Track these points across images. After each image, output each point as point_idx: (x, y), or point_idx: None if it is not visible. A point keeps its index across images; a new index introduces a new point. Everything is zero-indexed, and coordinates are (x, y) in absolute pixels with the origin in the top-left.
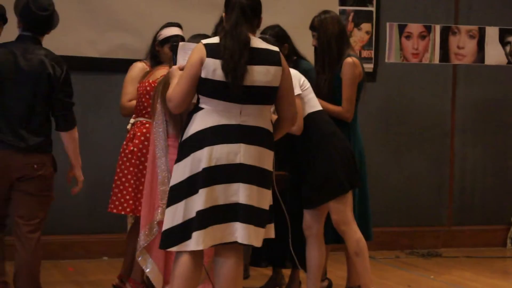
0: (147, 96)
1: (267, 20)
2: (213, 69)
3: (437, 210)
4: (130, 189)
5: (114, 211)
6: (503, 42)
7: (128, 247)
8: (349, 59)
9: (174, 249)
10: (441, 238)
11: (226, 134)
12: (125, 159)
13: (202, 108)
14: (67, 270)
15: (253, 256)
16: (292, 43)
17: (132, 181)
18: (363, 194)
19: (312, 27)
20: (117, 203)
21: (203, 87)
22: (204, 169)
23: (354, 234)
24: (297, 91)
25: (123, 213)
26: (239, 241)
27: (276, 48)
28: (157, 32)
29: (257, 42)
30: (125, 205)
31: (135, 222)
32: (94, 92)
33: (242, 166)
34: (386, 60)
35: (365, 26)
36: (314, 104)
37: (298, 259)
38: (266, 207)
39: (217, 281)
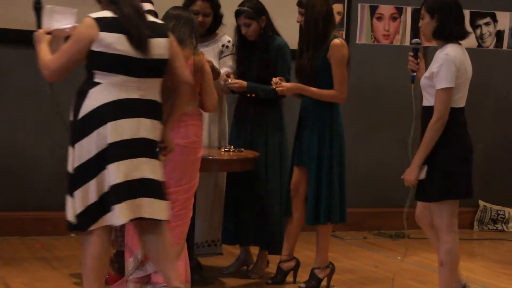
0: None
1: None
2: (109, 42)
3: (405, 192)
4: None
5: None
6: (473, 25)
7: None
8: (336, 41)
9: (94, 226)
10: (408, 220)
11: (127, 109)
12: None
13: (98, 83)
14: (34, 246)
15: (224, 234)
16: (269, 18)
17: None
18: (341, 176)
19: (300, 3)
20: None
21: (98, 61)
22: (110, 144)
23: (444, 243)
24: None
25: None
26: (148, 216)
27: (160, 21)
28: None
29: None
30: None
31: None
32: None
33: (144, 140)
34: (357, 41)
35: (337, 7)
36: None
37: (265, 240)
38: (163, 180)
39: (155, 259)
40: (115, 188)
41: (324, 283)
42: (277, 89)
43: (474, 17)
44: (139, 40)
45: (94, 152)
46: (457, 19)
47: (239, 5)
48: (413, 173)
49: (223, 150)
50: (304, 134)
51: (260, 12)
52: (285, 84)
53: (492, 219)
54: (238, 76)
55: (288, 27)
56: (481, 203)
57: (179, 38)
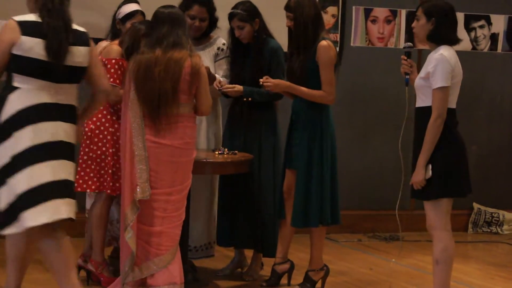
0: None
1: (231, 0)
2: (29, 47)
3: (400, 194)
4: (93, 167)
5: (79, 189)
6: (468, 28)
7: (89, 226)
8: (324, 42)
9: (7, 231)
10: (403, 222)
11: (47, 113)
12: (85, 137)
13: (17, 88)
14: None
15: (219, 237)
16: (263, 20)
17: (98, 159)
18: (333, 178)
19: (288, 7)
20: (81, 181)
21: (17, 65)
22: (29, 148)
23: (439, 241)
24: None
25: (88, 191)
26: (65, 216)
27: (83, 29)
28: (116, 11)
29: None
30: (89, 182)
31: (95, 201)
32: None
33: (63, 143)
34: (352, 44)
35: (331, 10)
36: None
37: (259, 242)
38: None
39: (55, 264)
40: (28, 192)
41: (318, 285)
42: (264, 84)
43: (469, 20)
44: (56, 47)
45: (11, 155)
46: (452, 24)
47: (233, 8)
48: (420, 175)
49: (217, 152)
50: (295, 136)
51: (253, 15)
52: (272, 80)
53: (487, 221)
54: (232, 79)
55: (281, 29)
56: (476, 205)
57: (175, 42)
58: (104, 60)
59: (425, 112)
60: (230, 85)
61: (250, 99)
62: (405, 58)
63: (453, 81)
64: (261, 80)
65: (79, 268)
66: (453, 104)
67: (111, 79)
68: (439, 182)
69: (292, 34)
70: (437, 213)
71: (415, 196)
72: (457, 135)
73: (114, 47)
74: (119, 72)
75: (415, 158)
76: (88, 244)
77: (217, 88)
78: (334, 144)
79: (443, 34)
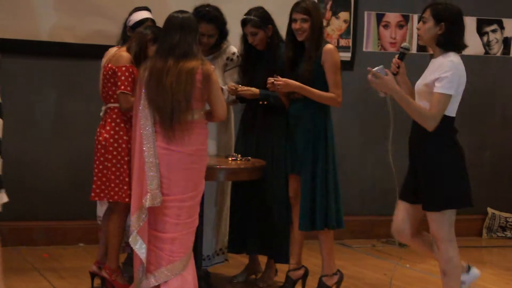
0: (112, 81)
1: (238, 6)
2: None
3: None
4: (112, 177)
5: (96, 199)
6: (480, 33)
7: (103, 233)
8: (329, 46)
9: None
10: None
11: None
12: (99, 146)
13: None
14: (42, 256)
15: (230, 243)
16: (276, 26)
17: (114, 169)
18: (336, 182)
19: (305, 10)
20: (98, 190)
21: None
22: None
23: (445, 252)
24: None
25: (110, 200)
26: None
27: None
28: (127, 18)
29: None
30: (106, 191)
31: (108, 208)
32: (71, 78)
33: None
34: (364, 49)
35: (343, 15)
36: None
37: (271, 249)
38: None
39: None
40: None
41: None
42: (275, 83)
43: (481, 24)
44: None
45: None
46: (461, 30)
47: (245, 14)
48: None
49: (230, 159)
50: (296, 141)
51: (266, 21)
52: (282, 79)
53: (501, 226)
54: (245, 85)
55: None
56: (490, 210)
57: (186, 52)
58: (114, 67)
59: None
60: (246, 87)
61: (266, 102)
62: (398, 57)
63: (459, 90)
64: (271, 78)
65: (94, 275)
66: (454, 113)
67: (122, 87)
68: (444, 192)
69: (293, 37)
70: (441, 225)
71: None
72: (459, 145)
73: (124, 54)
74: (129, 79)
75: (412, 161)
76: (102, 251)
77: (232, 90)
78: (335, 150)
79: (453, 40)
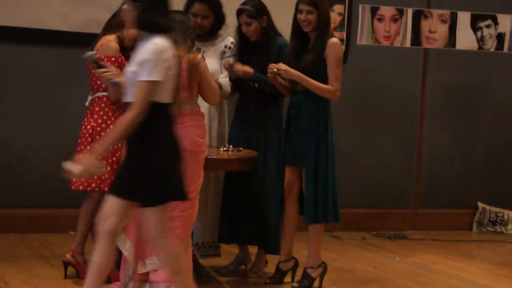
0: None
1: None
2: None
3: (405, 193)
4: None
5: (81, 187)
6: (474, 28)
7: (80, 222)
8: (334, 39)
9: None
10: (407, 221)
11: None
12: (86, 135)
13: None
14: (33, 244)
15: (221, 233)
16: (271, 18)
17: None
18: (334, 175)
19: (313, 2)
20: (77, 180)
21: None
22: None
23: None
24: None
25: (88, 189)
26: None
27: None
28: (120, 6)
29: None
30: (92, 182)
31: (88, 197)
32: (65, 66)
33: None
34: (358, 42)
35: (338, 8)
36: None
37: (262, 239)
38: None
39: None
40: None
41: (316, 282)
42: (278, 70)
43: (475, 19)
44: None
45: None
46: (162, 10)
47: (241, 4)
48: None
49: (222, 149)
50: (298, 132)
51: (261, 12)
52: (283, 65)
53: (491, 221)
54: (238, 76)
55: (288, 28)
56: (480, 205)
57: (173, 42)
58: (102, 57)
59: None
60: (241, 65)
61: (256, 85)
62: (95, 67)
63: (170, 73)
64: (273, 65)
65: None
66: (168, 98)
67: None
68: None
69: (298, 29)
70: (155, 221)
71: (117, 193)
72: (173, 133)
73: (112, 44)
74: (118, 69)
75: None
76: (79, 239)
77: (228, 66)
78: (333, 144)
79: (153, 21)
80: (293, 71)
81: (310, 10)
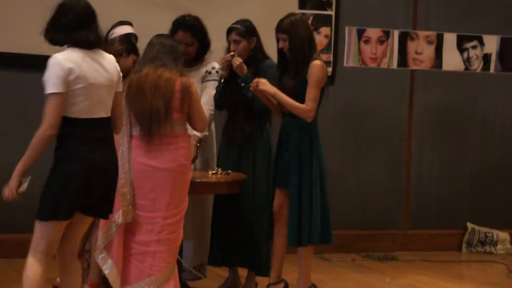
0: None
1: (224, 21)
2: None
3: (394, 214)
4: None
5: None
6: (460, 49)
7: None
8: (317, 61)
9: None
10: (397, 242)
11: None
12: None
13: None
14: (21, 269)
15: (211, 256)
16: (260, 40)
17: None
18: (324, 197)
19: (282, 29)
20: None
21: None
22: None
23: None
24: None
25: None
26: None
27: None
28: (109, 31)
29: None
30: None
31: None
32: None
33: None
34: (345, 64)
35: (324, 30)
36: None
37: (253, 262)
38: None
39: None
40: None
41: None
42: (257, 83)
43: (461, 40)
44: None
45: None
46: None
47: (233, 23)
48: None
49: (210, 172)
50: (284, 155)
51: (251, 32)
52: (263, 79)
53: (481, 241)
54: (228, 97)
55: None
56: (469, 225)
57: (165, 63)
58: None
59: None
60: (240, 60)
61: (242, 84)
62: None
63: (76, 86)
64: (257, 79)
65: None
66: (80, 114)
67: None
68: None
69: (282, 55)
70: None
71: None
72: (82, 153)
73: None
74: None
75: None
76: (86, 264)
77: (226, 58)
78: (323, 166)
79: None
80: (269, 84)
81: (283, 37)
